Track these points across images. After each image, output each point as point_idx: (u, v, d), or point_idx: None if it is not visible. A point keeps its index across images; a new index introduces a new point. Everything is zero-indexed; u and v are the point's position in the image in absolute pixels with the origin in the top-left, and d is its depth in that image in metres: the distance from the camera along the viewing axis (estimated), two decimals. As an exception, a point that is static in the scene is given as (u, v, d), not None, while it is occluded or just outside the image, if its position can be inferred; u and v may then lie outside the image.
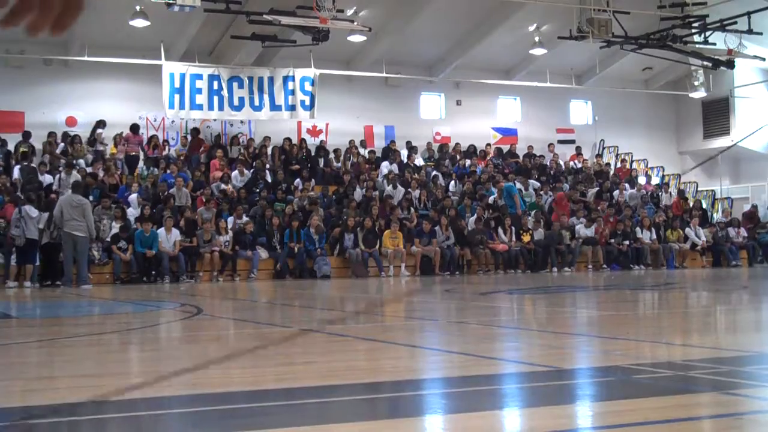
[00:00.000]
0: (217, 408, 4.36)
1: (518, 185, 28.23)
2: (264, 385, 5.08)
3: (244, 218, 23.48)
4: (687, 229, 28.20)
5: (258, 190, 25.50)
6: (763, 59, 28.04)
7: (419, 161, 29.52)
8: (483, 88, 30.80)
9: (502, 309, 12.68)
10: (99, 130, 26.62)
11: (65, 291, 18.77)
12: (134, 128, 26.46)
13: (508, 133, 32.17)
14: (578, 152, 32.45)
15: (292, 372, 5.69)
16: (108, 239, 21.88)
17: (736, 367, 5.50)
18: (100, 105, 26.80)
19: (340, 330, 8.93)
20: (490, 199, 27.03)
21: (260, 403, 4.45)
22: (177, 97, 25.44)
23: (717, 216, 30.81)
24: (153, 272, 21.66)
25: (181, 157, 26.64)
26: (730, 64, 27.38)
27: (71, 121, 26.78)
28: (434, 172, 28.88)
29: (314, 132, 29.08)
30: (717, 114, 33.10)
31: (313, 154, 28.38)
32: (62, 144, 26.02)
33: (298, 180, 26.56)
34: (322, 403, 4.50)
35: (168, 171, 25.30)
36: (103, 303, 15.18)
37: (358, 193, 26.36)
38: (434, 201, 26.93)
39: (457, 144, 30.69)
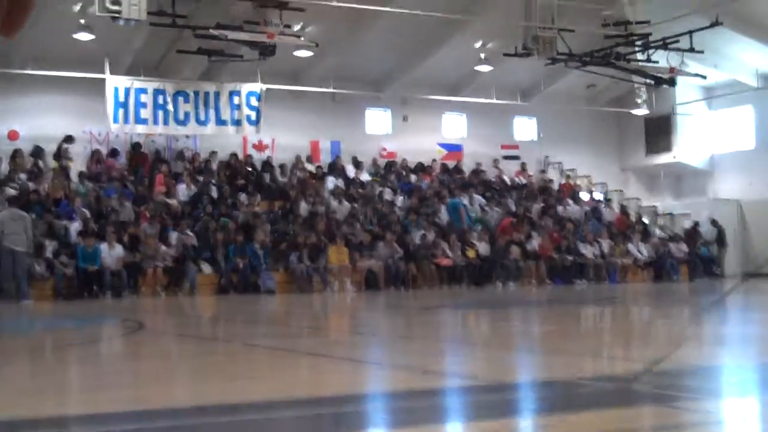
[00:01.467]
0: (160, 425, 4.32)
1: (464, 201, 28.37)
2: (207, 400, 5.04)
3: (188, 233, 23.31)
4: (629, 245, 28.53)
5: (203, 205, 25.34)
6: (704, 77, 28.49)
7: (365, 177, 29.54)
8: (429, 104, 30.92)
9: (446, 323, 12.72)
10: (65, 145, 26.28)
11: (3, 307, 18.46)
12: (68, 140, 26.19)
13: (454, 149, 32.31)
14: (523, 168, 32.70)
15: (235, 387, 5.65)
16: (49, 255, 21.59)
17: (677, 380, 5.57)
18: (43, 119, 26.42)
19: (284, 345, 8.89)
20: (442, 214, 27.18)
21: (203, 420, 4.42)
22: (121, 111, 25.19)
23: (658, 231, 31.19)
24: (95, 287, 21.40)
25: (125, 172, 26.40)
26: (672, 82, 27.79)
27: (13, 135, 26.40)
28: (380, 188, 28.93)
29: (260, 147, 28.96)
30: (659, 131, 33.53)
31: (259, 169, 28.28)
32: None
33: (243, 195, 26.44)
34: (266, 419, 4.48)
35: (111, 186, 25.07)
36: (43, 318, 14.96)
37: (304, 209, 26.30)
38: (380, 216, 26.96)
39: (403, 159, 30.76)
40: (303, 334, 11.00)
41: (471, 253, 25.87)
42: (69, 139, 26.37)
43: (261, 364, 7.26)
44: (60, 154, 26.21)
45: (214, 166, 27.80)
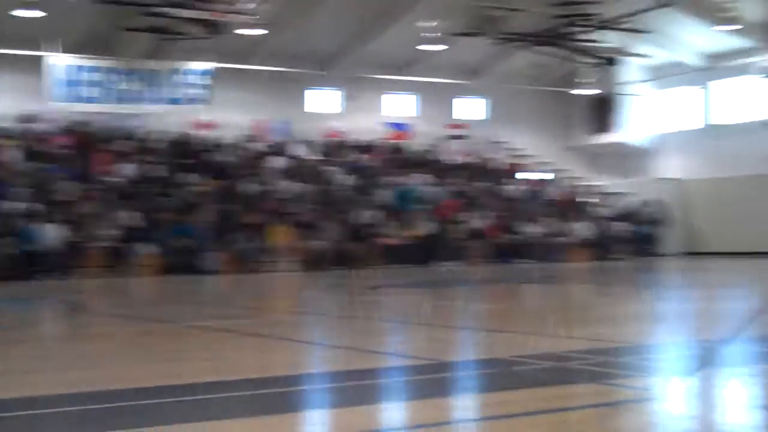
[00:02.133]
0: (102, 406, 4.31)
1: (410, 180, 28.45)
2: (150, 382, 5.03)
3: (132, 213, 23.06)
4: (572, 224, 28.77)
5: (148, 185, 25.07)
6: (649, 57, 28.73)
7: (312, 156, 29.42)
8: (377, 83, 30.85)
9: (390, 303, 12.77)
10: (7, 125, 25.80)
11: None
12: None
13: (401, 129, 32.27)
14: (469, 147, 32.77)
15: (178, 369, 5.65)
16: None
17: (613, 357, 5.67)
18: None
19: (227, 326, 8.88)
20: (384, 195, 27.16)
21: (146, 401, 4.41)
22: (64, 89, 24.83)
23: (601, 210, 31.46)
24: (37, 268, 21.10)
25: (69, 151, 26.01)
26: (617, 62, 28.04)
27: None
28: (327, 168, 28.84)
29: (207, 126, 28.70)
30: (603, 110, 33.75)
31: (205, 148, 28.05)
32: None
33: (189, 175, 26.20)
34: (209, 399, 4.49)
35: (54, 165, 24.71)
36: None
37: (249, 188, 26.15)
38: (326, 196, 26.89)
39: (350, 139, 30.68)
40: (246, 314, 10.98)
41: (416, 233, 25.93)
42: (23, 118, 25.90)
43: (202, 344, 7.25)
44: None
45: (161, 145, 27.53)
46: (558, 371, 5.14)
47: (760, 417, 3.91)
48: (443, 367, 5.49)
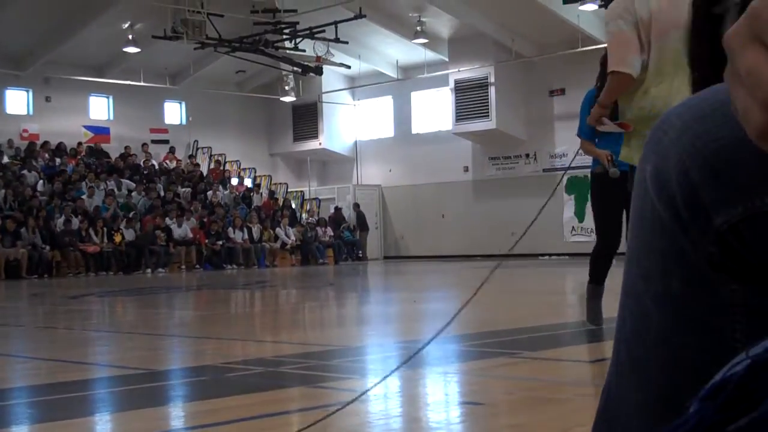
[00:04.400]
0: None
1: (110, 185, 27.76)
2: None
3: None
4: (277, 229, 29.09)
5: None
6: (349, 67, 29.54)
7: (5, 159, 28.01)
8: (74, 84, 29.77)
9: (93, 312, 12.37)
10: None
11: None
12: None
13: (101, 132, 31.35)
14: (172, 152, 32.34)
15: None
16: None
17: (323, 360, 5.78)
18: None
19: None
20: (85, 202, 26.27)
21: None
22: None
23: (305, 216, 32.03)
24: None
25: None
26: (319, 71, 28.57)
27: None
28: (21, 171, 27.53)
29: None
30: (306, 118, 34.36)
31: None
32: None
33: None
34: None
35: None
36: None
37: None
38: (21, 201, 25.68)
39: (46, 142, 29.45)
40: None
41: (118, 239, 25.30)
42: None
43: None
44: None
45: None
46: (270, 376, 5.17)
47: (461, 412, 4.12)
48: (153, 376, 5.38)
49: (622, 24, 4.86)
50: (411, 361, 5.54)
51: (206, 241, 26.85)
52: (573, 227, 27.67)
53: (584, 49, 24.92)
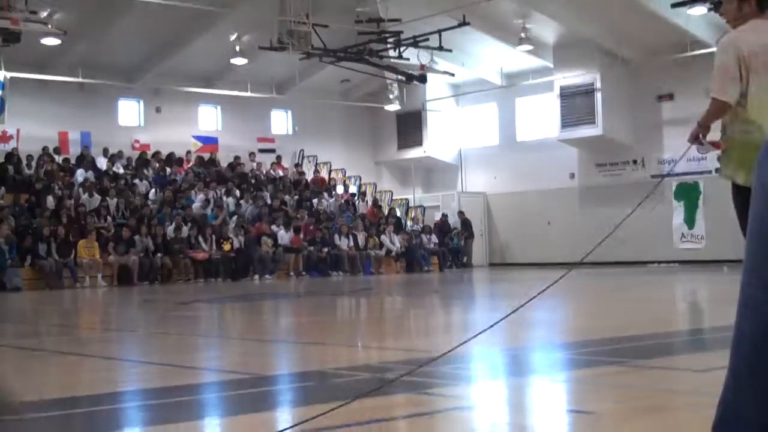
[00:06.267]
0: None
1: (220, 194, 28.29)
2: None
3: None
4: (383, 236, 29.20)
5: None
6: (453, 75, 29.51)
7: (118, 169, 28.75)
8: (183, 95, 30.40)
9: (202, 318, 12.60)
10: None
11: None
12: None
13: (209, 142, 31.94)
14: (278, 161, 32.77)
15: (-20, 390, 5.37)
16: None
17: (429, 367, 5.77)
18: None
19: (33, 345, 8.54)
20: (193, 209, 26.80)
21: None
22: None
23: (410, 224, 32.08)
24: None
25: None
26: (423, 79, 28.59)
27: None
28: (134, 181, 28.22)
29: (4, 138, 27.55)
30: (411, 126, 34.44)
31: (2, 161, 26.93)
32: None
33: (-14, 188, 25.13)
34: (15, 421, 4.29)
35: None
36: None
37: (51, 202, 25.29)
38: (133, 209, 26.31)
39: (156, 152, 30.14)
40: (53, 332, 10.59)
41: (227, 247, 25.71)
42: None
43: (9, 365, 6.94)
44: None
45: (-48, 157, 26.27)
46: (376, 382, 5.18)
47: (568, 421, 4.07)
48: (260, 381, 5.45)
49: (727, 56, 5.34)
50: (518, 368, 5.50)
51: (312, 247, 27.06)
52: (683, 234, 27.10)
53: (693, 53, 24.44)
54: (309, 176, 32.91)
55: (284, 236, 26.94)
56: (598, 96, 28.13)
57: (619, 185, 28.73)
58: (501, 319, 5.11)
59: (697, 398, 4.41)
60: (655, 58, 26.86)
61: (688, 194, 25.81)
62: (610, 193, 28.90)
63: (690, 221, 26.52)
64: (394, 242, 29.18)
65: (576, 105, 28.64)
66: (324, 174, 33.29)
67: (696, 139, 5.62)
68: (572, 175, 30.46)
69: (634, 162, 28.76)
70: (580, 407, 4.30)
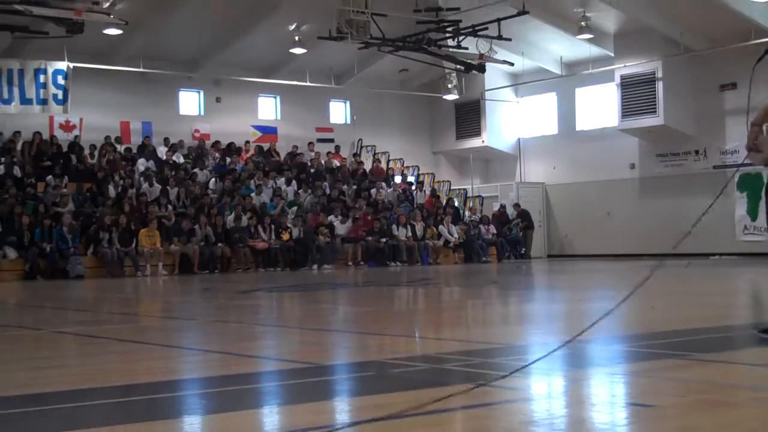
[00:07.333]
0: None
1: (279, 183, 28.47)
2: (12, 391, 4.85)
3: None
4: (441, 227, 29.15)
5: (6, 187, 24.31)
6: (512, 64, 29.32)
7: (178, 158, 29.03)
8: (243, 85, 30.62)
9: (261, 307, 12.68)
10: None
11: None
12: None
13: (268, 131, 32.16)
14: (337, 151, 32.87)
15: (43, 377, 5.47)
16: None
17: (486, 358, 5.74)
18: None
19: (94, 332, 8.66)
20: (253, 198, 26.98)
21: (8, 410, 4.25)
22: None
23: (468, 214, 31.98)
24: None
25: None
26: (481, 68, 28.43)
27: None
28: (194, 170, 28.49)
29: (67, 127, 27.98)
30: (469, 116, 34.34)
31: (65, 149, 27.33)
32: None
33: (50, 177, 25.51)
34: (75, 407, 4.36)
35: None
36: None
37: (113, 191, 25.63)
38: (193, 198, 26.56)
39: (216, 141, 30.40)
40: (114, 319, 10.73)
41: (285, 236, 25.85)
42: None
43: (70, 351, 7.05)
44: None
45: (18, 146, 26.71)
46: (434, 373, 5.17)
47: (628, 413, 4.02)
48: (319, 370, 5.47)
49: None
50: (578, 362, 5.45)
51: (370, 237, 27.10)
52: (745, 226, 26.71)
53: (757, 41, 23.98)
54: (367, 166, 32.93)
55: (341, 226, 27.01)
56: (660, 85, 27.79)
57: (680, 176, 28.38)
58: (612, 310, 5.06)
59: (760, 393, 4.33)
60: (717, 47, 26.44)
61: (752, 185, 25.37)
62: (671, 183, 28.56)
63: (753, 213, 26.10)
64: (452, 233, 29.11)
65: (637, 94, 28.33)
66: (382, 164, 33.28)
67: (755, 139, 5.62)
68: (632, 166, 30.14)
69: (696, 152, 28.38)
70: (640, 400, 4.25)
